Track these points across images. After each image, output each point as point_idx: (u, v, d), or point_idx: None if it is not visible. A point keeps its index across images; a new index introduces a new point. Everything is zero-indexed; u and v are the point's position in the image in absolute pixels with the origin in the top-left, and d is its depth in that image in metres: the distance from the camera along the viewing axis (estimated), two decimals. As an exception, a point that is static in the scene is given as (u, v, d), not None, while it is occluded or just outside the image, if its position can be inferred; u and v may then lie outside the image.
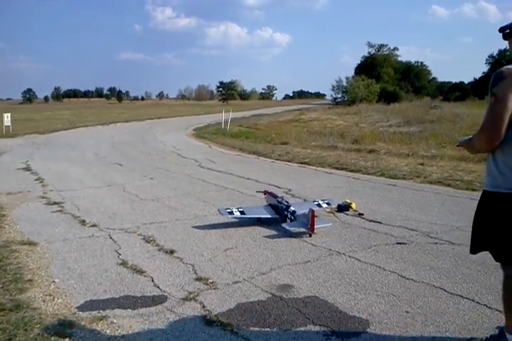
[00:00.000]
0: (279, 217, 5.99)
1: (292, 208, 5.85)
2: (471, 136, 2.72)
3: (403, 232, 5.52)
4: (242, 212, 5.95)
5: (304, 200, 7.23)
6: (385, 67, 72.41)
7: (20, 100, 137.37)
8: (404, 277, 4.12)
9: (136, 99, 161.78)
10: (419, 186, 8.49)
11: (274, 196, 6.46)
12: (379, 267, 4.38)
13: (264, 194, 6.79)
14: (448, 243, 5.08)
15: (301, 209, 5.80)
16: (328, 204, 6.47)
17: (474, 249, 2.82)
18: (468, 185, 8.23)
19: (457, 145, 3.30)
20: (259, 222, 6.11)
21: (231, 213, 5.91)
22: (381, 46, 79.00)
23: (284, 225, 5.60)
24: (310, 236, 5.40)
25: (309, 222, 5.35)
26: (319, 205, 6.36)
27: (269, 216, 6.02)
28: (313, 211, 5.35)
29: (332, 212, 6.56)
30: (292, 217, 5.73)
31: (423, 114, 27.76)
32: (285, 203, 6.08)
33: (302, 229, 5.50)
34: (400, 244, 5.09)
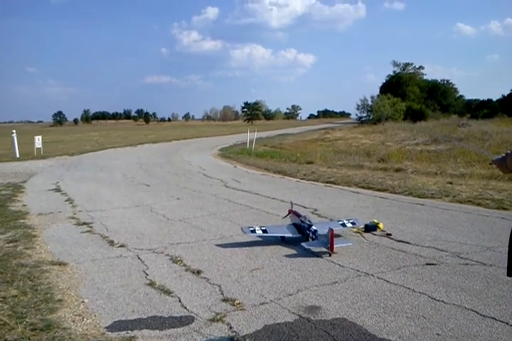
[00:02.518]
0: (301, 236, 5.99)
1: (314, 227, 5.88)
2: (504, 155, 2.61)
3: (432, 253, 5.41)
4: (264, 231, 6.02)
5: (331, 220, 7.22)
6: (411, 85, 72.01)
7: (50, 123, 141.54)
8: (434, 299, 4.03)
9: (163, 120, 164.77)
10: (448, 205, 8.33)
11: (298, 215, 6.47)
12: (408, 288, 4.30)
13: (289, 213, 6.80)
14: (479, 264, 4.96)
15: (324, 229, 5.76)
16: (353, 223, 6.43)
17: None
18: (499, 204, 8.05)
19: (490, 164, 3.19)
20: (283, 241, 6.14)
21: (253, 232, 5.99)
22: (406, 65, 78.91)
23: (303, 244, 5.62)
24: (330, 255, 5.40)
25: (329, 241, 5.35)
26: (344, 225, 6.35)
27: (291, 235, 6.07)
28: (332, 230, 5.37)
29: (359, 232, 6.49)
30: (314, 236, 5.75)
31: (450, 131, 27.44)
32: (308, 222, 6.10)
33: (322, 249, 5.52)
34: (430, 264, 4.99)
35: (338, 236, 6.26)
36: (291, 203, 7.30)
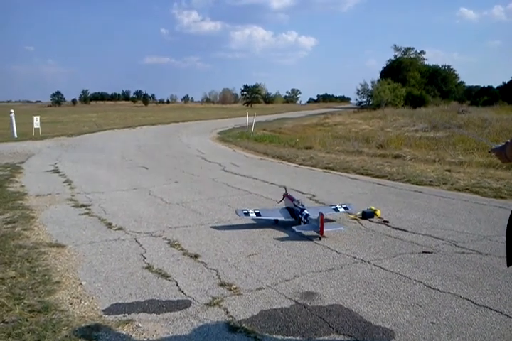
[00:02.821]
0: (294, 220, 6.14)
1: (306, 211, 6.02)
2: (503, 144, 2.58)
3: (429, 241, 5.44)
4: (258, 214, 6.18)
5: (324, 204, 7.34)
6: (412, 70, 71.59)
7: (49, 103, 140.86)
8: (430, 287, 4.06)
9: (161, 102, 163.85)
10: (445, 193, 8.35)
11: (292, 199, 6.58)
12: (404, 276, 4.33)
13: (284, 197, 6.90)
14: (475, 252, 4.99)
15: (316, 213, 5.79)
16: (345, 208, 6.54)
17: (511, 261, 2.64)
18: (497, 192, 8.07)
19: (489, 152, 3.16)
20: (276, 224, 6.29)
21: (247, 214, 6.13)
22: (407, 49, 78.35)
23: (294, 228, 5.77)
24: (320, 239, 5.53)
25: (319, 225, 5.47)
26: (336, 209, 6.47)
27: (284, 218, 6.23)
28: (322, 215, 5.49)
29: (356, 219, 6.52)
30: (305, 220, 5.91)
31: (450, 118, 27.37)
32: (300, 206, 6.23)
33: (313, 232, 5.65)
34: (426, 252, 5.02)
35: (331, 220, 6.36)
36: (285, 188, 7.41)
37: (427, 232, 5.80)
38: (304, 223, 5.91)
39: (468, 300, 3.76)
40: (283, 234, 5.87)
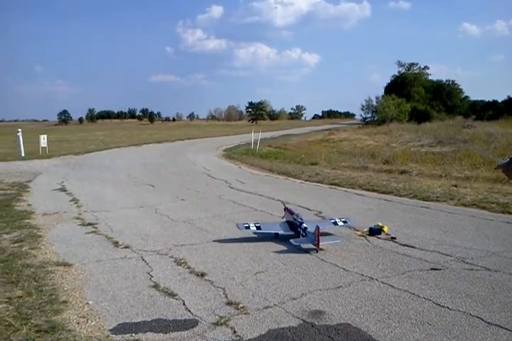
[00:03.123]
0: (293, 233, 6.30)
1: (304, 225, 6.16)
2: (509, 159, 2.56)
3: (437, 257, 5.40)
4: (258, 227, 6.38)
5: (323, 218, 7.50)
6: (416, 86, 71.82)
7: (55, 121, 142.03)
8: (439, 305, 4.02)
9: (167, 120, 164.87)
10: (453, 209, 8.31)
11: (291, 213, 6.73)
12: (413, 294, 4.29)
13: (285, 211, 7.05)
14: (484, 269, 4.94)
15: (320, 226, 5.88)
16: (344, 222, 6.65)
17: None
18: (504, 208, 8.01)
19: (495, 168, 3.15)
20: (277, 237, 6.45)
21: (248, 228, 6.34)
22: (411, 65, 78.67)
23: (291, 241, 5.90)
24: (317, 251, 5.68)
25: (316, 238, 5.62)
26: (335, 223, 6.61)
27: (283, 232, 6.42)
28: (318, 228, 5.64)
29: (364, 236, 6.48)
30: (304, 234, 6.05)
31: (455, 133, 27.35)
32: (299, 220, 6.36)
33: (310, 245, 5.79)
34: (435, 269, 4.98)
35: (329, 234, 6.44)
36: (283, 202, 7.68)
37: (434, 249, 5.76)
38: (303, 236, 6.04)
39: (478, 318, 3.71)
40: (282, 248, 5.98)
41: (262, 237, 6.48)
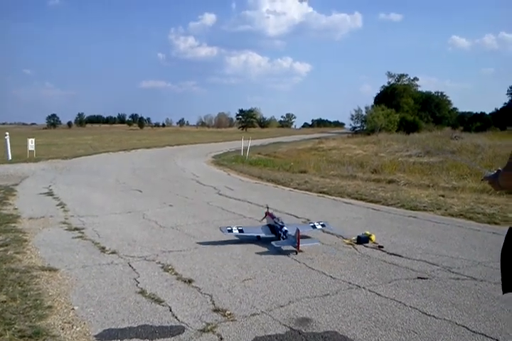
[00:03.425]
0: (274, 236, 6.53)
1: (285, 228, 6.44)
2: (495, 171, 2.60)
3: (424, 266, 5.43)
4: (240, 230, 6.64)
5: (303, 222, 7.86)
6: (405, 97, 72.65)
7: (44, 125, 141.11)
8: (425, 313, 4.03)
9: (157, 125, 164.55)
10: (440, 218, 8.37)
11: (272, 217, 7.06)
12: (399, 302, 4.30)
13: (266, 215, 7.34)
14: (470, 278, 4.98)
15: (294, 230, 6.17)
16: (323, 225, 6.99)
17: (506, 288, 2.59)
18: (491, 218, 8.09)
19: (482, 180, 3.20)
20: (259, 240, 6.67)
21: (230, 231, 6.59)
22: (401, 76, 79.65)
23: (272, 243, 6.20)
24: (296, 253, 5.95)
25: (296, 240, 5.89)
26: (314, 227, 6.95)
27: (265, 235, 6.68)
28: (298, 231, 5.95)
29: (351, 244, 6.50)
30: (284, 236, 6.33)
31: (443, 144, 27.64)
32: (280, 223, 6.66)
33: (290, 247, 6.05)
34: (421, 278, 5.00)
35: (308, 237, 6.71)
36: (267, 206, 7.79)
37: (421, 258, 5.80)
38: (283, 239, 6.30)
39: (463, 326, 3.74)
40: (265, 250, 6.18)
41: (246, 241, 6.65)
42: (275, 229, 6.64)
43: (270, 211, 7.44)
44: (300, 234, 5.97)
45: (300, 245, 5.93)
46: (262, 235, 6.70)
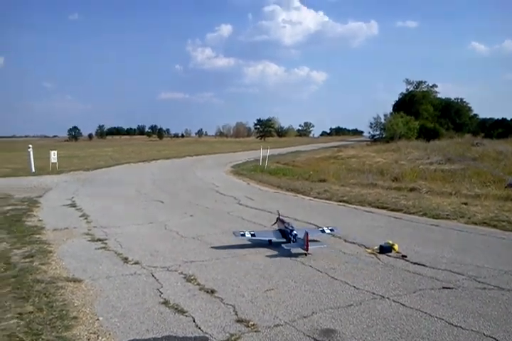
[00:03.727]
0: (285, 240, 6.91)
1: (295, 232, 6.87)
2: None
3: (449, 276, 5.35)
4: (253, 235, 7.04)
5: (313, 226, 8.22)
6: (424, 103, 71.84)
7: (65, 137, 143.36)
8: (452, 324, 3.97)
9: (176, 136, 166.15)
10: (463, 227, 8.25)
11: (283, 222, 7.50)
12: (425, 313, 4.24)
13: (277, 220, 7.78)
14: (497, 288, 4.89)
15: (309, 233, 6.44)
16: (331, 230, 7.44)
17: None
18: (516, 226, 7.93)
19: (505, 187, 3.17)
20: (270, 244, 7.03)
21: (243, 235, 7.00)
22: (419, 83, 78.83)
23: (283, 245, 6.62)
24: (306, 255, 6.33)
25: (305, 243, 6.21)
26: (323, 231, 7.38)
27: (276, 239, 7.08)
28: (307, 234, 6.28)
29: (374, 254, 6.44)
30: (294, 239, 6.76)
31: (465, 151, 27.27)
32: (290, 228, 7.06)
33: (299, 250, 6.42)
34: (447, 288, 4.93)
35: (317, 241, 6.97)
36: (278, 212, 8.27)
37: (446, 267, 5.71)
38: (293, 242, 6.72)
39: (492, 338, 3.67)
40: (287, 259, 6.27)
41: (257, 243, 7.12)
42: (285, 234, 7.02)
43: (282, 217, 7.85)
44: (310, 237, 6.32)
45: (309, 247, 6.26)
46: (274, 239, 7.11)
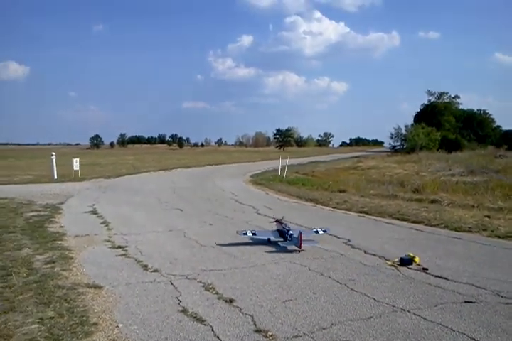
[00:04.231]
0: (282, 240, 7.80)
1: (291, 232, 7.71)
2: None
3: (471, 290, 5.26)
4: (254, 234, 7.96)
5: (307, 228, 8.91)
6: (446, 115, 71.05)
7: (88, 145, 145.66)
8: (474, 339, 3.90)
9: (196, 145, 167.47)
10: (486, 240, 8.11)
11: (281, 223, 8.36)
12: (446, 327, 4.17)
13: (275, 221, 8.68)
14: (521, 303, 4.78)
15: (304, 234, 7.37)
16: (324, 231, 8.25)
17: None
18: (541, 240, 7.76)
19: None
20: (269, 242, 7.89)
21: (245, 234, 7.88)
22: (441, 94, 78.06)
23: (279, 243, 7.73)
24: (299, 252, 7.19)
25: (298, 241, 7.13)
26: (317, 232, 8.16)
27: (274, 238, 7.97)
28: (300, 233, 7.23)
29: (394, 266, 6.37)
30: (290, 238, 7.61)
31: (487, 163, 26.86)
32: (287, 228, 7.93)
33: (294, 247, 7.32)
34: (468, 302, 4.84)
35: (310, 240, 7.58)
36: (282, 218, 8.88)
37: (468, 281, 5.61)
38: (289, 240, 7.58)
39: (516, 354, 3.58)
40: (305, 269, 6.32)
41: (257, 241, 7.95)
42: (283, 233, 7.89)
43: (282, 220, 8.61)
44: (305, 238, 7.22)
45: (302, 245, 7.14)
46: (272, 238, 8.00)
